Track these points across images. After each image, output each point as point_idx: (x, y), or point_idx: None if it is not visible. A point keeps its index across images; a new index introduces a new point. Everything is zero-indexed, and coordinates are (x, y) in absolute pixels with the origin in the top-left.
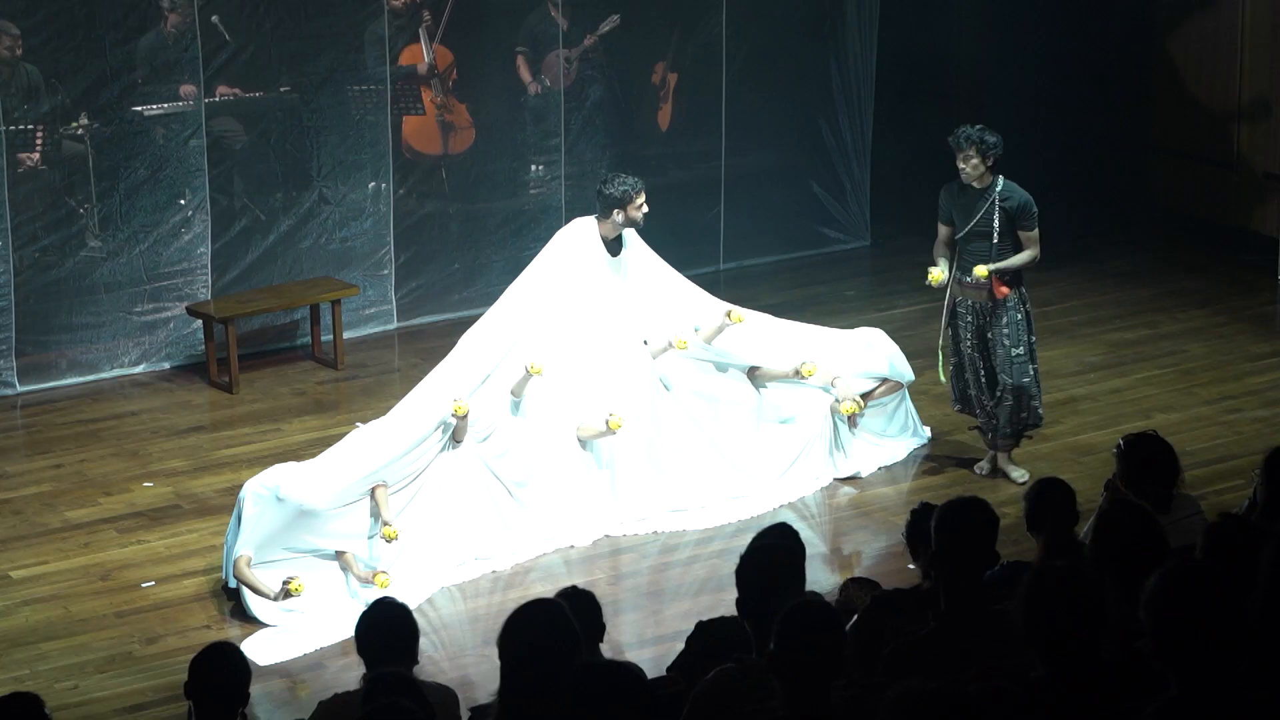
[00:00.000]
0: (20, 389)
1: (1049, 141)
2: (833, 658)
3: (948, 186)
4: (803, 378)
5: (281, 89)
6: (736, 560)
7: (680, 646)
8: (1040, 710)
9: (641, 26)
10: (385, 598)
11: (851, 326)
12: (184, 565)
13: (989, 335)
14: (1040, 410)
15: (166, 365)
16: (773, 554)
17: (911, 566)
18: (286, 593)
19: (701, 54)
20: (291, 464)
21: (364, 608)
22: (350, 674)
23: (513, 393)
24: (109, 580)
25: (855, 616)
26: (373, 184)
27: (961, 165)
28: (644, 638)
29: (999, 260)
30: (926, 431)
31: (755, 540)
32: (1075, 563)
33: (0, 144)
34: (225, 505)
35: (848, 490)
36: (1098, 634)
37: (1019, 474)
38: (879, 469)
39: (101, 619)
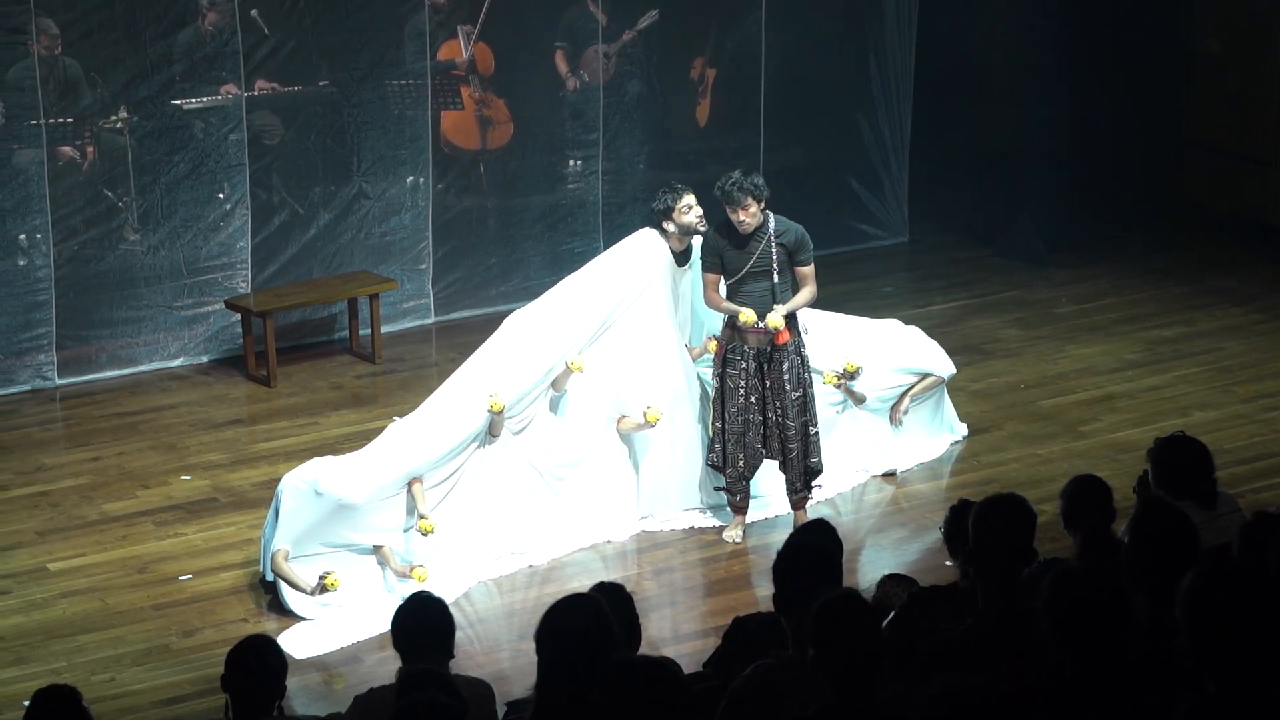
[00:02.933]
0: (59, 382)
1: (1085, 138)
2: (870, 648)
3: (711, 232)
4: (850, 376)
5: (321, 84)
6: (773, 556)
7: (716, 642)
8: (1074, 707)
9: (680, 22)
10: (422, 592)
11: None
12: (221, 558)
13: (768, 382)
14: (819, 460)
15: (205, 359)
16: (809, 550)
17: (949, 563)
18: (323, 588)
19: (740, 49)
20: (329, 458)
21: (400, 601)
22: (386, 668)
23: (553, 387)
24: (146, 573)
25: (892, 613)
26: (411, 179)
27: (742, 218)
28: (680, 633)
29: (781, 300)
30: (963, 428)
31: (792, 536)
32: (1096, 563)
33: (40, 138)
34: (262, 499)
35: (885, 486)
36: (1121, 633)
37: None
38: (917, 465)
39: (139, 612)
